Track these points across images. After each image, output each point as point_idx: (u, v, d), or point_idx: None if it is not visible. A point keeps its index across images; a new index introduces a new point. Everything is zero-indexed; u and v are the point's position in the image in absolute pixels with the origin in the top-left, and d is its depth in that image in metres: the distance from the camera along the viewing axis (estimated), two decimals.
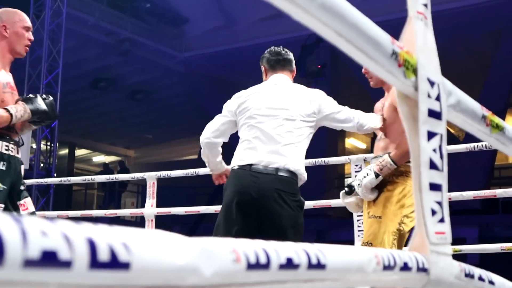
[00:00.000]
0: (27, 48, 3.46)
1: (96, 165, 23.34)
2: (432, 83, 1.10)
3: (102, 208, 16.24)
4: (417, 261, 1.03)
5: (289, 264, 0.73)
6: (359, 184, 3.22)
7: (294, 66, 3.58)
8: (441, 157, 1.12)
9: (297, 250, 0.76)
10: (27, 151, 9.74)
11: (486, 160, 14.95)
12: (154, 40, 15.35)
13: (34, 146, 11.77)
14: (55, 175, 12.97)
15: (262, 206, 3.12)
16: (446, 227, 1.12)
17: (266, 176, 3.17)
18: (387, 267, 0.93)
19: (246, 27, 15.16)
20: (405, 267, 0.99)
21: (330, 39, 0.87)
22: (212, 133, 3.42)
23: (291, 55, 3.57)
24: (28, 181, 7.61)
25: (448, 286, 1.13)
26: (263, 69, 3.56)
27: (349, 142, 21.65)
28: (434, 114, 1.10)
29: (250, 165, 3.22)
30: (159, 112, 17.06)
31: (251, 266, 0.67)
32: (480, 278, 1.23)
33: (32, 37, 3.46)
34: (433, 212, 1.09)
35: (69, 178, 7.61)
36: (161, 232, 0.60)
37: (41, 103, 3.33)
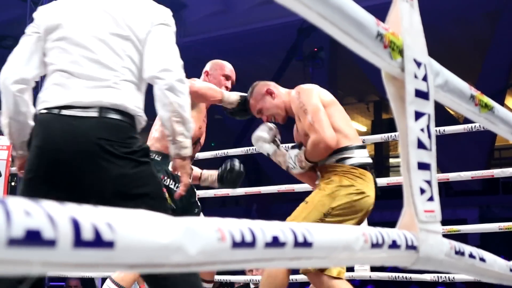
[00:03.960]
0: None
1: None
2: (418, 64, 1.11)
3: None
4: (406, 239, 1.04)
5: (275, 243, 0.75)
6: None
7: None
8: (429, 136, 1.13)
9: (284, 229, 0.77)
10: None
11: (486, 142, 14.98)
12: None
13: None
14: None
15: (79, 168, 2.13)
16: (436, 205, 1.14)
17: (84, 121, 2.16)
18: (375, 245, 0.95)
19: (244, 12, 15.13)
20: (394, 245, 1.00)
21: (314, 22, 0.88)
22: (16, 69, 2.35)
23: None
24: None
25: (438, 263, 1.15)
26: None
27: None
28: (421, 94, 1.11)
29: (60, 107, 2.20)
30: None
31: (236, 245, 0.69)
32: (471, 255, 1.25)
33: (229, 86, 3.72)
34: (422, 191, 1.11)
35: None
36: (146, 212, 0.62)
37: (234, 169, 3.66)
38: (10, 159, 5.92)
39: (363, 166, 2.99)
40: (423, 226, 1.09)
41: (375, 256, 0.96)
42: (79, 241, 0.52)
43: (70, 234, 0.52)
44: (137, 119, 2.29)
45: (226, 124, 15.77)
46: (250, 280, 5.92)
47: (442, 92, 1.21)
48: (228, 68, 3.78)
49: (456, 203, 15.12)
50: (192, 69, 3.42)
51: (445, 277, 4.39)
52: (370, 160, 3.06)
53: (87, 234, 0.53)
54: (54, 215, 0.51)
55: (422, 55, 1.13)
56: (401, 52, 1.06)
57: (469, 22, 15.01)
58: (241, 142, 11.48)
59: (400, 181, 5.27)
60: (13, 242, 0.47)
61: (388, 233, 0.99)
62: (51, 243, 0.50)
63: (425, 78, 1.12)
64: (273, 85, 3.32)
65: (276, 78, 15.91)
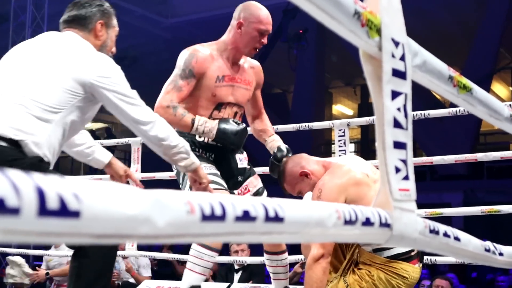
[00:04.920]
0: (256, 51, 3.40)
1: None
2: (396, 43, 1.11)
3: (89, 174, 16.27)
4: (379, 216, 1.05)
5: (246, 217, 0.75)
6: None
7: (92, 22, 2.71)
8: (406, 116, 1.14)
9: (255, 204, 0.78)
10: None
11: (472, 127, 15.04)
12: (140, 6, 15.24)
13: None
14: None
15: None
16: (411, 184, 1.15)
17: None
18: (348, 222, 0.96)
19: None
20: (367, 222, 1.01)
21: (292, 0, 0.88)
22: None
23: (84, 8, 2.72)
24: None
25: (412, 241, 1.16)
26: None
27: (336, 109, 21.71)
28: (399, 74, 1.12)
29: None
30: (146, 78, 16.97)
31: (205, 218, 0.69)
32: (445, 234, 1.26)
33: (265, 42, 3.42)
34: (397, 170, 1.12)
35: None
36: (115, 184, 0.62)
37: (231, 129, 3.28)
38: None
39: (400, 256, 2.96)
40: (397, 205, 1.10)
41: (348, 232, 0.97)
42: (43, 210, 0.52)
43: (34, 203, 0.52)
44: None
45: None
46: (234, 261, 5.94)
47: (420, 72, 1.22)
48: (265, 18, 3.36)
49: (441, 187, 15.22)
50: (181, 51, 3.35)
51: (427, 259, 4.43)
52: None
53: (52, 203, 0.53)
54: (18, 184, 0.51)
55: (400, 35, 1.13)
56: (378, 31, 1.07)
57: (457, 6, 15.02)
58: None
59: (426, 161, 5.30)
60: None
61: (362, 211, 1.00)
62: (14, 211, 0.50)
63: (402, 58, 1.13)
64: (305, 161, 3.16)
65: (261, 59, 15.87)
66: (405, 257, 2.95)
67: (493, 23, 14.54)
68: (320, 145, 17.91)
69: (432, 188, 15.30)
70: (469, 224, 13.76)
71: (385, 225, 1.06)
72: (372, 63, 1.10)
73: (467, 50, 15.57)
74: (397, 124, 1.11)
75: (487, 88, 15.78)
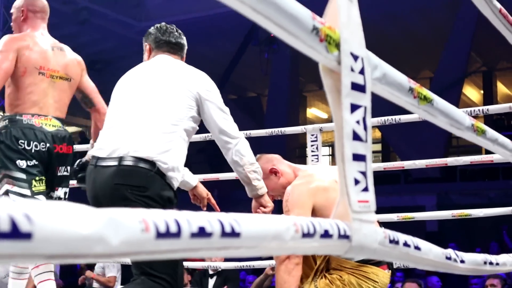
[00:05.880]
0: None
1: None
2: (355, 57, 1.13)
3: None
4: (338, 228, 1.07)
5: (202, 233, 0.77)
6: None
7: (184, 53, 3.13)
8: (365, 128, 1.16)
9: (210, 219, 0.79)
10: None
11: (444, 130, 15.17)
12: (113, 9, 15.17)
13: None
14: None
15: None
16: (370, 195, 1.17)
17: (106, 170, 2.64)
18: (307, 235, 0.97)
19: None
20: (326, 235, 1.03)
21: (247, 15, 0.90)
22: None
23: (184, 40, 3.13)
24: None
25: (372, 251, 1.18)
26: (147, 47, 3.14)
27: (311, 112, 21.79)
28: (358, 87, 1.14)
29: (97, 158, 2.70)
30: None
31: (160, 235, 0.71)
32: (406, 244, 1.28)
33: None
34: (356, 182, 1.14)
35: None
36: (67, 204, 0.63)
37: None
38: None
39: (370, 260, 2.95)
40: (356, 216, 1.12)
41: (306, 245, 0.99)
42: None
43: None
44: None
45: None
46: (208, 266, 5.95)
47: (380, 84, 1.24)
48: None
49: (414, 190, 15.35)
50: None
51: (401, 264, 4.46)
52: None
53: (4, 225, 0.54)
54: None
55: (360, 49, 1.15)
56: (337, 46, 1.09)
57: (429, 11, 15.16)
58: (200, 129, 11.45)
59: (398, 166, 5.36)
60: None
61: (320, 223, 1.02)
62: None
63: (362, 71, 1.15)
64: (276, 161, 3.22)
65: (233, 63, 15.89)
66: (375, 261, 2.98)
67: (464, 28, 14.71)
68: (294, 148, 17.95)
69: (406, 191, 15.43)
70: (443, 226, 13.89)
71: (344, 236, 1.08)
72: (331, 76, 1.12)
73: (439, 54, 15.73)
74: (356, 137, 1.13)
75: (459, 91, 15.95)
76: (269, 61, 15.25)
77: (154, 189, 2.61)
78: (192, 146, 3.21)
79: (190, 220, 0.75)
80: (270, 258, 4.45)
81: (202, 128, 2.98)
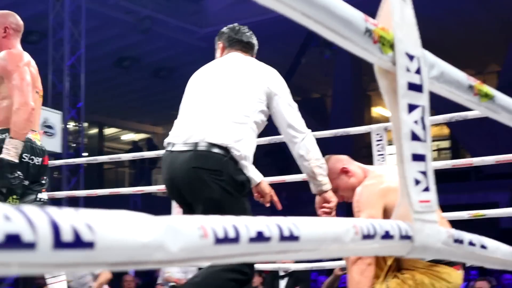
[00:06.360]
0: None
1: (126, 143, 23.61)
2: (411, 57, 1.13)
3: (134, 185, 16.50)
4: (399, 229, 1.07)
5: (260, 237, 0.78)
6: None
7: (254, 53, 3.25)
8: (424, 128, 1.15)
9: (269, 224, 0.80)
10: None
11: None
12: (174, 17, 15.37)
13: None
14: (84, 154, 13.19)
15: (181, 190, 2.78)
16: (431, 195, 1.16)
17: (182, 154, 2.79)
18: (367, 236, 0.98)
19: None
20: (387, 236, 1.03)
21: (298, 20, 0.91)
22: None
23: (255, 40, 3.26)
24: (58, 162, 7.77)
25: (435, 251, 1.17)
26: (220, 45, 3.26)
27: (376, 111, 21.59)
28: (415, 87, 1.13)
29: (173, 144, 2.86)
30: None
31: (219, 241, 0.72)
32: (471, 243, 1.27)
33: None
34: (417, 182, 1.13)
35: (96, 157, 7.72)
36: (127, 212, 0.65)
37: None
38: None
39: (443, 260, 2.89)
40: (418, 216, 1.12)
41: (367, 247, 0.99)
42: (59, 243, 0.56)
43: (49, 237, 0.55)
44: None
45: None
46: (279, 267, 5.96)
47: (438, 83, 1.23)
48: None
49: (486, 187, 14.99)
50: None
51: None
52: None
53: (67, 235, 0.57)
54: (33, 219, 0.55)
55: (415, 48, 1.14)
56: (392, 46, 1.09)
57: (494, 4, 14.82)
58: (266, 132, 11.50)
59: (466, 163, 5.28)
60: None
61: (380, 224, 1.02)
62: (30, 245, 0.54)
63: (418, 71, 1.14)
64: (346, 161, 3.21)
65: (294, 64, 15.88)
66: (448, 261, 2.93)
67: None
68: (361, 148, 17.82)
69: (477, 188, 15.08)
70: None
71: (406, 237, 1.08)
72: (387, 77, 1.12)
73: (506, 47, 15.35)
74: (415, 137, 1.13)
75: None
76: (331, 61, 15.17)
77: (228, 173, 2.73)
78: (259, 148, 3.23)
79: (248, 225, 0.77)
80: (341, 258, 4.43)
81: (269, 131, 3.01)
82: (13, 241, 0.53)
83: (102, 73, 16.43)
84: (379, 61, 1.08)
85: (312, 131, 4.00)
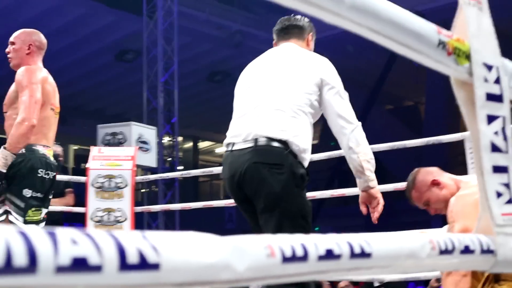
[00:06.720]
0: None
1: (220, 155, 23.93)
2: (489, 67, 1.10)
3: (228, 198, 16.67)
4: (481, 243, 1.04)
5: (329, 255, 0.78)
6: None
7: (308, 34, 3.12)
8: (505, 139, 1.12)
9: (339, 242, 0.80)
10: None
11: None
12: (265, 30, 15.51)
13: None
14: (179, 168, 13.47)
15: (243, 187, 2.77)
16: None
17: (242, 152, 2.78)
18: (444, 252, 0.96)
19: None
20: (466, 250, 1.01)
21: (365, 35, 0.91)
22: None
23: (303, 21, 3.12)
24: (153, 176, 7.94)
25: None
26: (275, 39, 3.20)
27: None
28: (494, 98, 1.10)
29: (233, 144, 2.86)
30: None
31: (286, 259, 0.73)
32: None
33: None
34: (498, 195, 1.10)
35: (189, 171, 7.86)
36: (192, 233, 0.67)
37: None
38: (135, 168, 6.23)
39: None
40: (500, 230, 1.09)
41: (445, 262, 0.97)
42: (124, 265, 0.58)
43: (115, 259, 0.57)
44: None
45: None
46: (373, 278, 5.89)
47: None
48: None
49: None
50: None
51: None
52: None
53: (132, 258, 0.59)
54: (99, 242, 0.57)
55: (494, 58, 1.12)
56: (468, 57, 1.06)
57: None
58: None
59: None
60: (60, 269, 0.54)
61: (459, 239, 1.00)
62: (97, 268, 0.56)
63: (497, 81, 1.11)
64: (437, 173, 3.14)
65: (384, 73, 15.69)
66: None
67: None
68: (456, 155, 17.40)
69: None
70: None
71: (488, 251, 1.05)
72: (464, 88, 1.09)
73: None
74: (495, 148, 1.10)
75: None
76: (422, 68, 14.90)
77: (289, 166, 2.70)
78: (321, 163, 3.17)
79: (317, 243, 0.77)
80: None
81: (329, 146, 2.95)
82: (80, 264, 0.55)
83: (195, 88, 16.75)
84: (455, 72, 1.06)
85: (406, 139, 3.93)
